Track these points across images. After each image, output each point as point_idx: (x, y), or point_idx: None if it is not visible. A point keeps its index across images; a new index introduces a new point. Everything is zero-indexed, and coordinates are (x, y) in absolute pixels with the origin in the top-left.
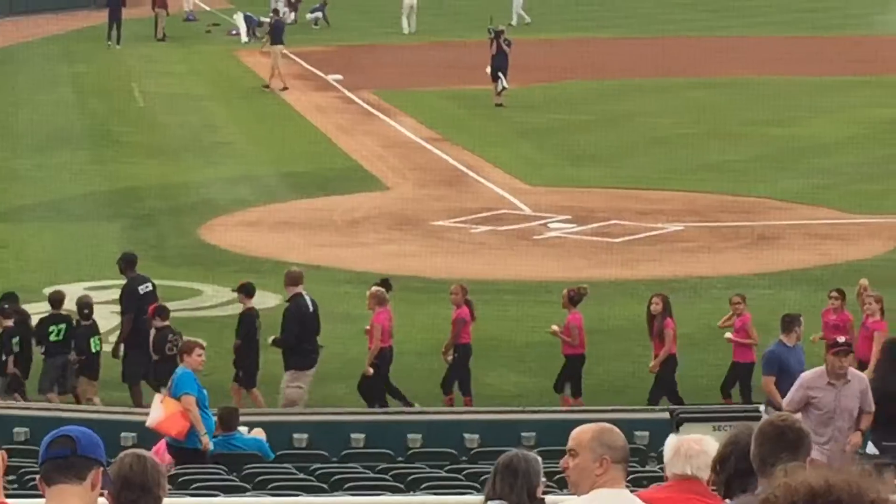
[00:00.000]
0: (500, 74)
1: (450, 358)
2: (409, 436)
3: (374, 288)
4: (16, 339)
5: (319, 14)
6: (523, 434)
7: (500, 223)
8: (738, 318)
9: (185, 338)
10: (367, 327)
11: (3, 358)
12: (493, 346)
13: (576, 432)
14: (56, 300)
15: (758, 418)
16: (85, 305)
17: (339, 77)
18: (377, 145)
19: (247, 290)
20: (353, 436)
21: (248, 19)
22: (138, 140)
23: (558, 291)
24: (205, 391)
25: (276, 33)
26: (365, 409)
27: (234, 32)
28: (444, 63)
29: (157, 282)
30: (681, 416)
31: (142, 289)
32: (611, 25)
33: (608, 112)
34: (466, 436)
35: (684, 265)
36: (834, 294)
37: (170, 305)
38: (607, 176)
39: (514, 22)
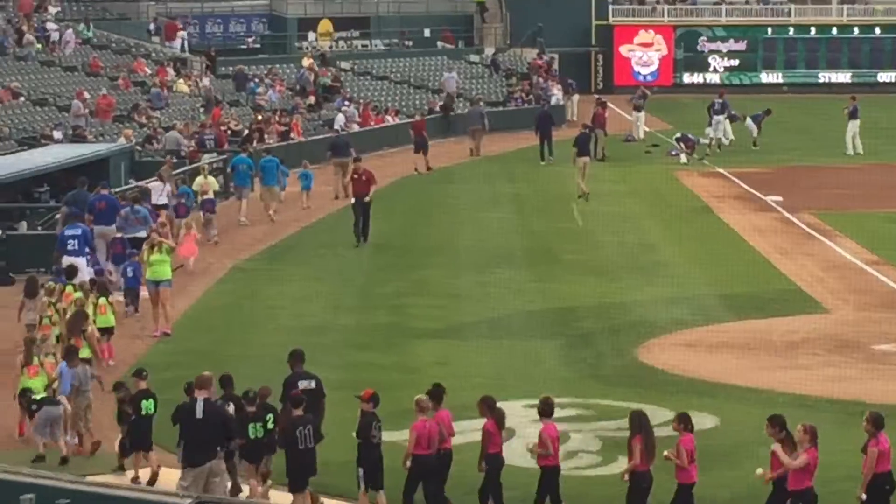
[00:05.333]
0: None
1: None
2: None
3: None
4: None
5: (755, 128)
6: None
7: None
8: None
9: None
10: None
11: None
12: None
13: None
14: (227, 383)
15: None
16: (245, 394)
17: (779, 198)
18: (817, 268)
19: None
20: None
21: (686, 140)
22: (577, 259)
23: None
24: None
25: (583, 145)
26: None
27: (673, 153)
28: (886, 185)
29: (594, 401)
30: None
31: (302, 384)
32: None
33: None
34: None
35: None
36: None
37: (604, 424)
38: None
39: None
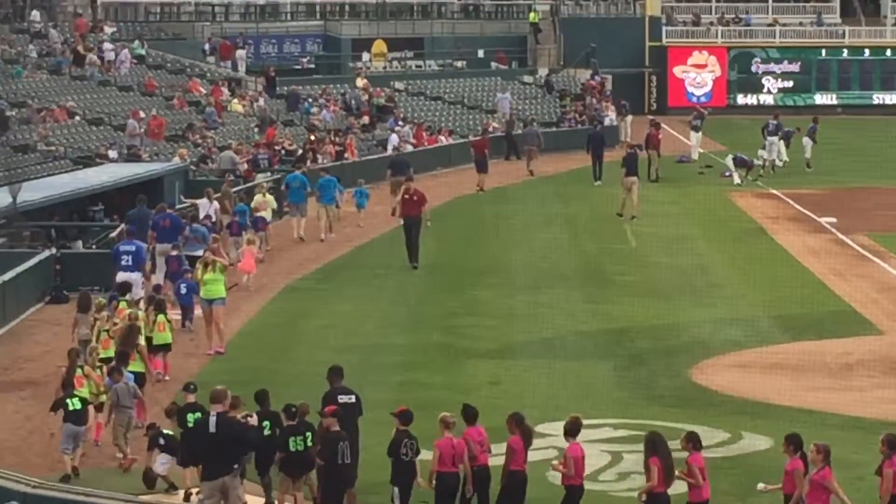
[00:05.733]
0: None
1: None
2: None
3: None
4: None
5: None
6: None
7: None
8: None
9: None
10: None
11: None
12: None
13: None
14: (263, 399)
15: None
16: (286, 408)
17: (833, 220)
18: (872, 289)
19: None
20: None
21: (740, 161)
22: (631, 280)
23: None
24: None
25: (630, 165)
26: None
27: (727, 174)
28: None
29: (647, 422)
30: None
31: (342, 398)
32: None
33: None
34: None
35: None
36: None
37: None
38: None
39: None
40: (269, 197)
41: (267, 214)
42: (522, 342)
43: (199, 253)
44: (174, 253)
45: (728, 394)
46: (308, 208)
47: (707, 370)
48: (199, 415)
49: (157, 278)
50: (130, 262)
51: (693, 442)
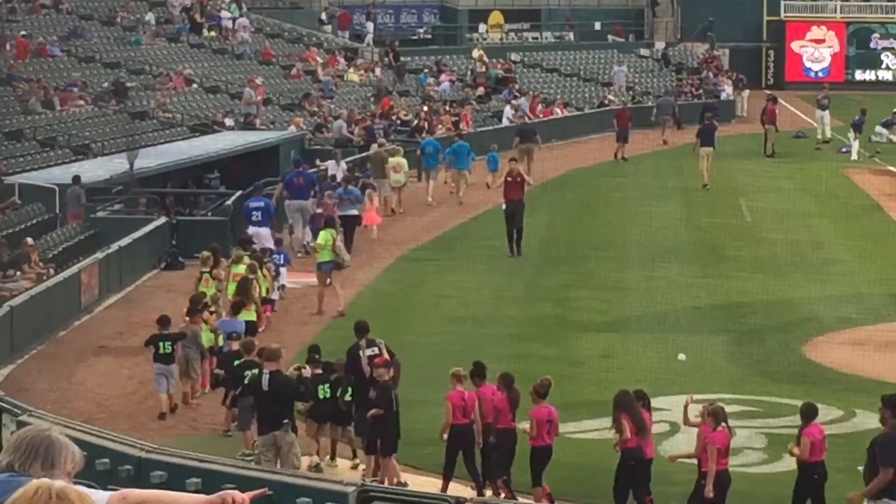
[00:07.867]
0: None
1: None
2: None
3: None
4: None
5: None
6: None
7: None
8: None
9: None
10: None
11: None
12: None
13: None
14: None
15: None
16: (314, 351)
17: None
18: None
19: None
20: None
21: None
22: (745, 255)
23: None
24: None
25: (707, 136)
26: None
27: (843, 150)
28: None
29: (759, 397)
30: None
31: (368, 352)
32: None
33: None
34: None
35: None
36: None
37: (770, 422)
38: None
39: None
40: (403, 160)
41: (401, 177)
42: (635, 316)
43: (354, 213)
44: (319, 210)
45: (842, 371)
46: (437, 173)
47: (821, 347)
48: (255, 371)
49: (296, 233)
50: (261, 217)
51: (643, 400)
